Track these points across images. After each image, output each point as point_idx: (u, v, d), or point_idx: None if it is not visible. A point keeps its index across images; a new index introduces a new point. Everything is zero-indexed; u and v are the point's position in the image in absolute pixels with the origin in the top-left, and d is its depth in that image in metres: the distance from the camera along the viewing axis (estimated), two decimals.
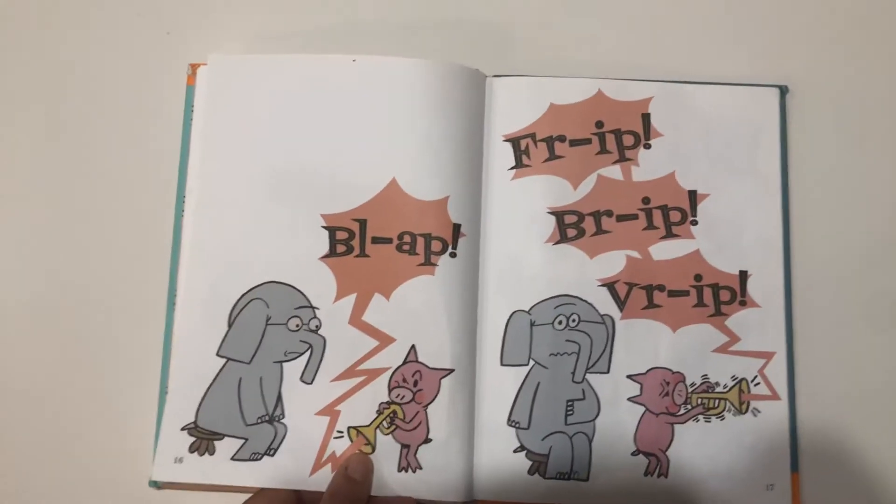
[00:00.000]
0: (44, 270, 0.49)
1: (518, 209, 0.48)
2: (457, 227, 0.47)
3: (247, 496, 0.44)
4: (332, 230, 0.47)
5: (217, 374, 0.45)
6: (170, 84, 0.50)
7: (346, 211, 0.47)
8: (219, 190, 0.47)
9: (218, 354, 0.45)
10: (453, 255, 0.46)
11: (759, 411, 0.46)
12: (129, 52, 0.51)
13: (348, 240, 0.47)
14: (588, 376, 0.46)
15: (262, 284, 0.46)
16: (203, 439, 0.45)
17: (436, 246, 0.46)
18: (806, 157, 0.49)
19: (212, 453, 0.45)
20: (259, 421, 0.45)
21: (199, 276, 0.46)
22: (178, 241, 0.47)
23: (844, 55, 0.51)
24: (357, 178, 0.47)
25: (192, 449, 0.45)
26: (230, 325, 0.46)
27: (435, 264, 0.46)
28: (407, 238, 0.46)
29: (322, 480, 0.44)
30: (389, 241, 0.47)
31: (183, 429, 0.45)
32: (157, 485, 0.45)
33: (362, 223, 0.47)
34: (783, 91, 0.49)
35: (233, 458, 0.45)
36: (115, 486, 0.47)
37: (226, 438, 0.45)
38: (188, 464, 0.44)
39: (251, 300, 0.46)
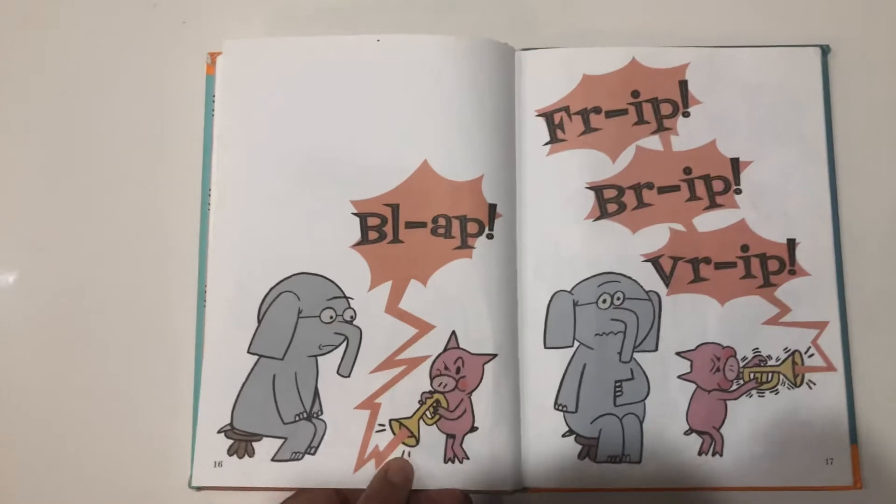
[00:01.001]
0: (68, 275, 0.47)
1: (555, 186, 0.46)
2: (493, 208, 0.45)
3: (288, 495, 0.42)
4: (363, 217, 0.45)
5: (250, 373, 0.44)
6: (189, 75, 0.48)
7: (376, 196, 0.45)
8: (242, 180, 0.45)
9: (249, 352, 0.44)
10: (490, 236, 0.45)
11: (814, 384, 0.45)
12: (145, 44, 0.50)
13: (380, 226, 0.45)
14: (636, 355, 0.45)
15: (291, 276, 0.45)
16: (241, 441, 0.43)
17: (472, 228, 0.45)
18: (851, 119, 0.48)
19: (251, 455, 0.43)
20: (297, 419, 0.44)
21: (225, 272, 0.45)
22: (205, 236, 0.46)
23: (887, 10, 0.49)
24: (387, 162, 0.45)
25: (230, 452, 0.43)
26: (259, 321, 0.44)
27: (472, 247, 0.45)
28: (442, 221, 0.45)
29: (366, 477, 0.43)
30: (424, 225, 0.45)
31: (219, 431, 0.43)
32: (197, 488, 0.44)
33: (394, 208, 0.45)
34: (825, 51, 0.48)
35: (273, 459, 0.43)
36: (155, 491, 0.45)
37: (264, 439, 0.44)
38: (228, 467, 0.43)
39: (280, 293, 0.44)
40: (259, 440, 0.44)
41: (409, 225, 0.45)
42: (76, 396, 0.46)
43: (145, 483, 0.45)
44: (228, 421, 0.43)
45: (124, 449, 0.46)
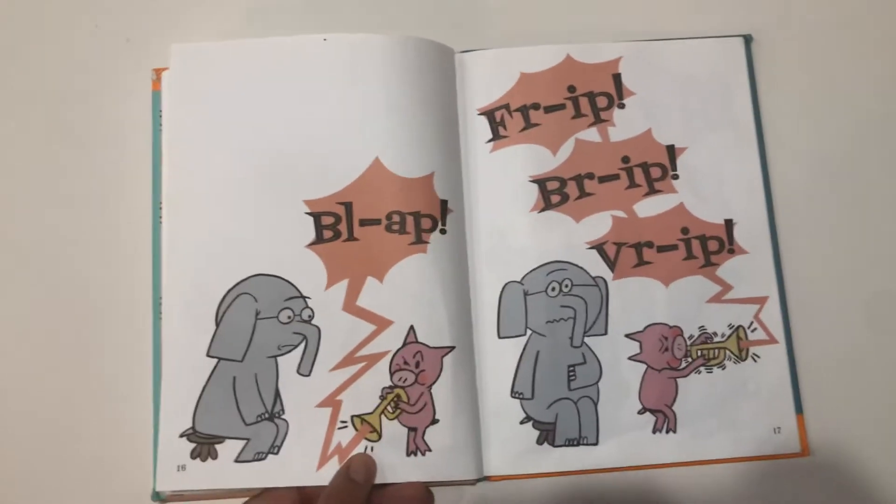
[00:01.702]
0: (25, 290, 0.47)
1: (500, 181, 0.48)
2: (444, 203, 0.46)
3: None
4: (316, 216, 0.46)
5: (210, 376, 0.44)
6: (135, 92, 0.49)
7: (329, 195, 0.46)
8: (194, 185, 0.46)
9: (208, 355, 0.44)
10: (443, 231, 0.46)
11: (758, 357, 0.47)
12: (89, 63, 0.50)
13: (335, 224, 0.46)
14: (587, 340, 0.46)
15: (248, 278, 0.45)
16: (204, 444, 0.44)
17: (426, 223, 0.46)
18: (777, 102, 0.50)
19: (214, 458, 0.43)
20: (259, 419, 0.44)
21: (181, 277, 0.45)
22: (157, 248, 0.46)
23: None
24: (338, 161, 0.46)
25: (193, 455, 0.43)
26: (218, 324, 0.45)
27: (426, 242, 0.46)
28: (396, 217, 0.46)
29: (330, 475, 0.43)
30: (378, 222, 0.46)
31: (182, 435, 0.43)
32: (160, 496, 0.44)
33: (348, 206, 0.46)
34: (748, 40, 0.50)
35: (237, 461, 0.44)
36: (117, 499, 0.45)
37: (227, 441, 0.44)
38: (191, 471, 0.43)
39: (238, 295, 0.45)
40: (222, 442, 0.44)
41: (364, 222, 0.46)
42: (32, 407, 0.46)
43: (108, 492, 0.45)
44: (190, 424, 0.44)
45: (86, 458, 0.46)
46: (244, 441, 0.44)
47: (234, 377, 0.44)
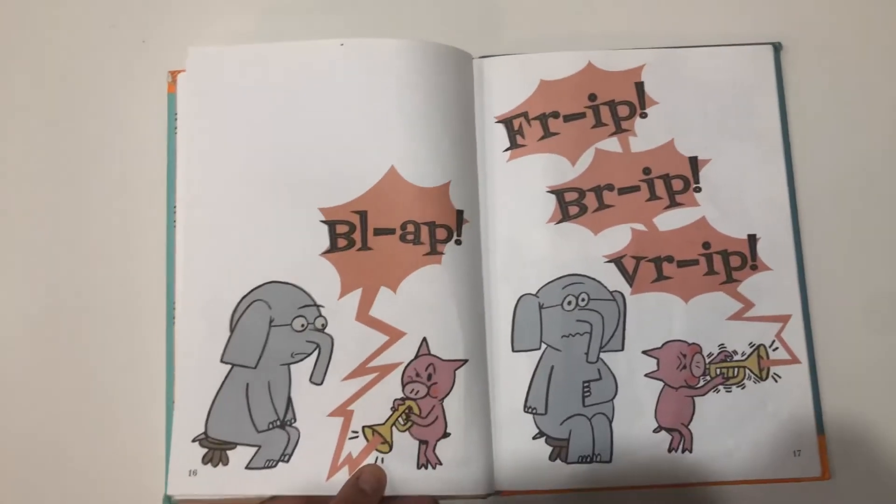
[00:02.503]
0: (39, 293, 0.48)
1: (517, 191, 0.47)
2: (460, 214, 0.46)
3: None
4: (331, 224, 0.46)
5: (223, 382, 0.44)
6: (150, 94, 0.49)
7: (344, 203, 0.46)
8: (209, 190, 0.46)
9: (222, 361, 0.44)
10: (458, 242, 0.45)
11: (779, 377, 0.45)
12: (105, 64, 0.50)
13: (349, 233, 0.45)
14: (602, 355, 0.46)
15: (262, 285, 0.45)
16: (215, 449, 0.44)
17: (440, 234, 0.45)
18: (805, 114, 0.49)
19: (226, 464, 0.44)
20: (270, 427, 0.44)
21: (196, 282, 0.45)
22: (171, 252, 0.46)
23: (835, 5, 0.50)
24: (354, 169, 0.46)
25: (205, 460, 0.44)
26: (232, 330, 0.45)
27: (441, 253, 0.45)
28: (410, 227, 0.45)
29: (340, 484, 0.43)
30: (392, 231, 0.45)
31: (194, 440, 0.44)
32: (171, 501, 0.44)
33: (362, 215, 0.46)
34: (777, 48, 0.48)
35: (247, 468, 0.44)
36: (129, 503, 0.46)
37: (238, 447, 0.44)
38: (203, 476, 0.43)
39: (252, 302, 0.45)
40: (233, 448, 0.44)
41: (378, 231, 0.45)
42: (48, 411, 0.47)
43: (119, 496, 0.46)
44: (203, 430, 0.44)
45: (97, 462, 0.46)
46: (255, 448, 0.44)
47: (247, 384, 0.44)
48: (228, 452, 0.44)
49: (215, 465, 0.44)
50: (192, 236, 0.45)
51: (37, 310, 0.48)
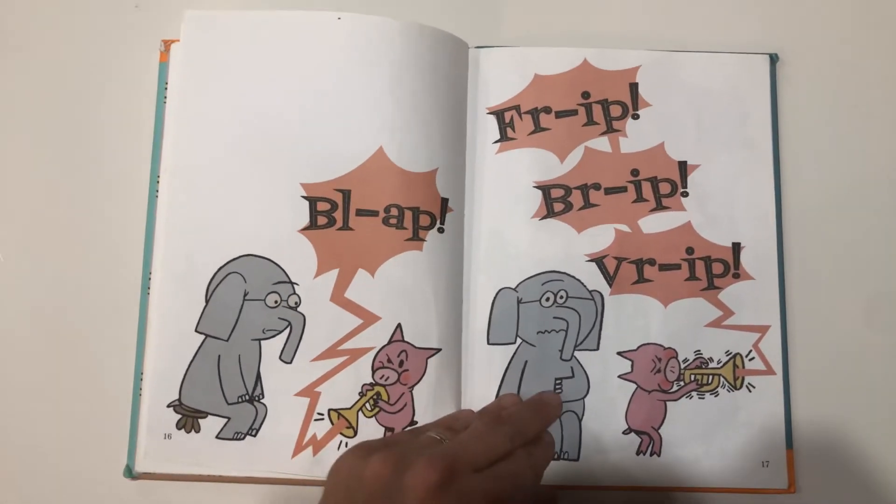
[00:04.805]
0: (12, 260, 0.47)
1: (504, 183, 0.46)
2: (445, 202, 0.45)
3: (228, 485, 0.44)
4: (312, 201, 0.45)
5: (196, 351, 0.44)
6: (141, 61, 0.48)
7: (328, 181, 0.45)
8: (194, 159, 0.45)
9: (196, 331, 0.44)
10: (441, 230, 0.45)
11: (753, 387, 0.45)
12: (96, 29, 0.49)
13: (330, 211, 0.45)
14: (577, 354, 0.45)
15: (239, 258, 0.44)
16: (188, 416, 0.44)
17: (424, 220, 0.45)
18: (797, 127, 0.48)
19: (198, 431, 0.44)
20: (240, 400, 0.44)
21: (174, 250, 0.44)
22: (151, 221, 0.46)
23: (834, 21, 0.50)
24: (341, 146, 0.45)
25: (179, 426, 0.44)
26: (207, 301, 0.44)
27: (423, 239, 0.44)
28: (394, 211, 0.45)
29: (303, 464, 0.43)
30: (375, 213, 0.45)
31: (169, 405, 0.44)
32: (131, 474, 0.44)
33: (346, 194, 0.45)
34: (773, 59, 0.48)
35: (217, 437, 0.44)
36: (93, 476, 0.45)
37: (209, 417, 0.44)
38: (177, 440, 0.44)
39: (228, 274, 0.44)
40: (205, 417, 0.44)
41: (361, 212, 0.45)
42: (12, 382, 0.46)
43: (82, 470, 0.45)
44: (177, 396, 0.44)
45: (64, 435, 0.46)
46: (225, 419, 0.44)
47: (219, 356, 0.44)
48: (200, 421, 0.44)
49: (188, 431, 0.44)
50: (173, 204, 0.45)
51: (11, 276, 0.47)
